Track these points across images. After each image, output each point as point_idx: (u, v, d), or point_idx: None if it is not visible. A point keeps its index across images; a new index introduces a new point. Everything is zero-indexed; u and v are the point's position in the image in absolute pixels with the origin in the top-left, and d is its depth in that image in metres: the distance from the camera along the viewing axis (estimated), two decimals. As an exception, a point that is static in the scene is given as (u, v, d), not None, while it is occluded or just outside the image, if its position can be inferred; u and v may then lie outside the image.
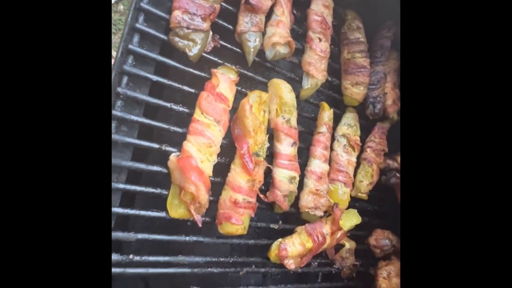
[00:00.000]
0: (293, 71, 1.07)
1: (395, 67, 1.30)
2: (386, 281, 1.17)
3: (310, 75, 1.03)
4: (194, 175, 0.74)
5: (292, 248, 0.95)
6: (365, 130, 1.24)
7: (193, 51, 0.79)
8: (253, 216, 0.87)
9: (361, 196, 1.18)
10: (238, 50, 0.93)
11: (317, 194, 1.00)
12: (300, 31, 1.08)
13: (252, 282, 0.99)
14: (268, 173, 0.96)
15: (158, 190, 0.78)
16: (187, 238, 0.82)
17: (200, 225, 0.77)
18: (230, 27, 0.92)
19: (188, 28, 0.78)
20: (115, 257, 0.71)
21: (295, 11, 1.06)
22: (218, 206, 0.84)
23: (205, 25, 0.80)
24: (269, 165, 0.93)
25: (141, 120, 0.76)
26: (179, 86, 0.82)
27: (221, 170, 0.88)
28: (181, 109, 0.83)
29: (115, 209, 0.72)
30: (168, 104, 0.80)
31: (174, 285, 0.83)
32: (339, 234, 1.06)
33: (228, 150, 0.88)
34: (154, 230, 0.78)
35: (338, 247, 1.15)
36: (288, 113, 0.94)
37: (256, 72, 0.98)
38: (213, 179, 0.85)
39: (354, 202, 1.21)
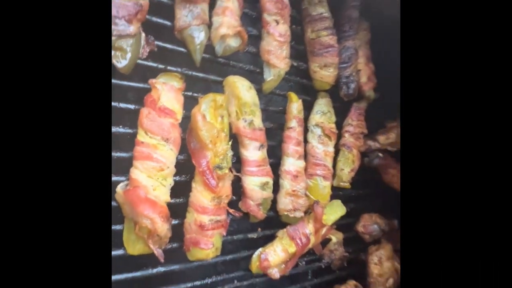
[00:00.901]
0: (252, 62, 0.95)
1: (366, 39, 1.19)
2: (378, 267, 1.14)
3: (271, 65, 0.91)
4: (146, 208, 0.65)
5: (274, 257, 0.89)
6: (341, 113, 1.15)
7: (122, 62, 0.67)
8: (225, 234, 0.80)
9: (343, 186, 1.11)
10: (182, 49, 0.80)
11: (295, 194, 0.93)
12: (254, 15, 0.95)
13: None
14: (239, 180, 0.87)
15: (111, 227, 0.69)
16: (154, 271, 0.74)
17: (162, 260, 0.69)
18: (168, 23, 0.78)
19: (112, 35, 0.65)
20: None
21: (245, -8, 0.92)
22: (184, 231, 0.76)
23: (133, 28, 0.67)
24: (237, 174, 0.85)
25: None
26: (115, 104, 0.70)
27: (183, 189, 0.79)
28: (122, 130, 0.71)
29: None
30: (104, 128, 0.69)
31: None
32: (323, 230, 1.00)
33: (187, 166, 0.78)
34: (115, 270, 0.70)
35: (326, 240, 1.10)
36: (249, 114, 0.83)
37: (208, 71, 0.86)
38: (174, 201, 0.76)
39: (338, 191, 1.14)
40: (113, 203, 0.69)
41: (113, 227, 0.69)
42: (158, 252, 0.68)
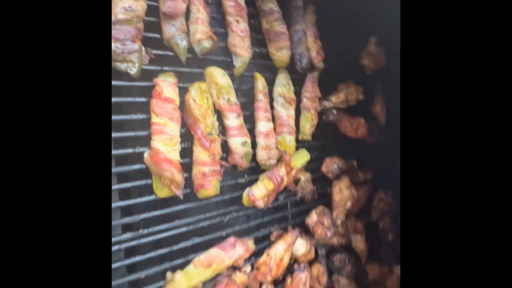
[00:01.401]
0: (224, 54, 1.26)
1: (313, 21, 1.49)
2: (339, 194, 1.53)
3: (238, 55, 1.22)
4: (166, 165, 0.99)
5: (258, 193, 1.25)
6: (299, 83, 1.48)
7: (133, 70, 0.98)
8: (221, 179, 1.15)
9: (306, 138, 1.46)
10: (172, 53, 1.11)
11: (268, 148, 1.28)
12: (219, 17, 1.24)
13: (240, 223, 1.31)
14: (226, 142, 1.21)
15: (144, 182, 1.04)
16: (177, 208, 1.10)
17: (181, 198, 1.04)
18: (158, 35, 1.08)
19: (123, 53, 0.95)
20: (129, 235, 1.00)
21: (210, 0, 1.21)
22: (193, 179, 1.11)
23: (136, 46, 0.97)
24: (224, 137, 1.19)
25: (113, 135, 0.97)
26: (132, 99, 1.02)
27: (187, 152, 1.13)
28: (140, 116, 1.04)
29: (117, 204, 0.98)
30: (128, 117, 1.01)
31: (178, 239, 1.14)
32: (293, 172, 1.37)
33: (188, 136, 1.12)
34: (151, 209, 1.06)
35: (298, 181, 1.47)
36: (226, 93, 1.16)
37: (192, 66, 1.17)
38: (182, 161, 1.10)
39: (304, 143, 1.50)
40: (143, 166, 1.03)
41: (146, 181, 1.04)
42: (178, 193, 1.04)
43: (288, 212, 1.46)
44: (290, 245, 1.32)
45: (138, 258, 1.02)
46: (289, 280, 1.38)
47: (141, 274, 1.02)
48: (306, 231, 1.47)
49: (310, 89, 1.47)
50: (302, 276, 1.38)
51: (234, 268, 1.20)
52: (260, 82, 1.28)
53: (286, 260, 1.30)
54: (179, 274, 1.06)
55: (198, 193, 1.11)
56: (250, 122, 1.30)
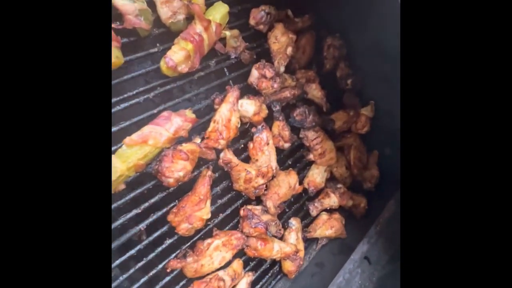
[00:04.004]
0: None
1: None
2: (276, 43, 1.38)
3: None
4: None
5: (176, 56, 1.09)
6: None
7: None
8: (119, 46, 0.98)
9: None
10: None
11: (168, 1, 1.07)
12: None
13: (173, 97, 1.18)
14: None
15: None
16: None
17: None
18: None
19: None
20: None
21: None
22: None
23: None
24: (106, -1, 0.97)
25: None
26: None
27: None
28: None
29: None
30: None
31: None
32: (213, 27, 1.19)
33: None
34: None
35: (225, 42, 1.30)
36: None
37: None
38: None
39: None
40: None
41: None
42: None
43: (227, 78, 1.33)
44: (234, 104, 1.22)
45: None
46: (250, 145, 1.32)
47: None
48: (254, 93, 1.36)
49: None
50: (262, 136, 1.31)
51: (180, 142, 1.11)
52: None
53: (234, 120, 1.21)
54: (112, 158, 0.96)
55: (97, 66, 0.94)
56: (137, -22, 1.06)
